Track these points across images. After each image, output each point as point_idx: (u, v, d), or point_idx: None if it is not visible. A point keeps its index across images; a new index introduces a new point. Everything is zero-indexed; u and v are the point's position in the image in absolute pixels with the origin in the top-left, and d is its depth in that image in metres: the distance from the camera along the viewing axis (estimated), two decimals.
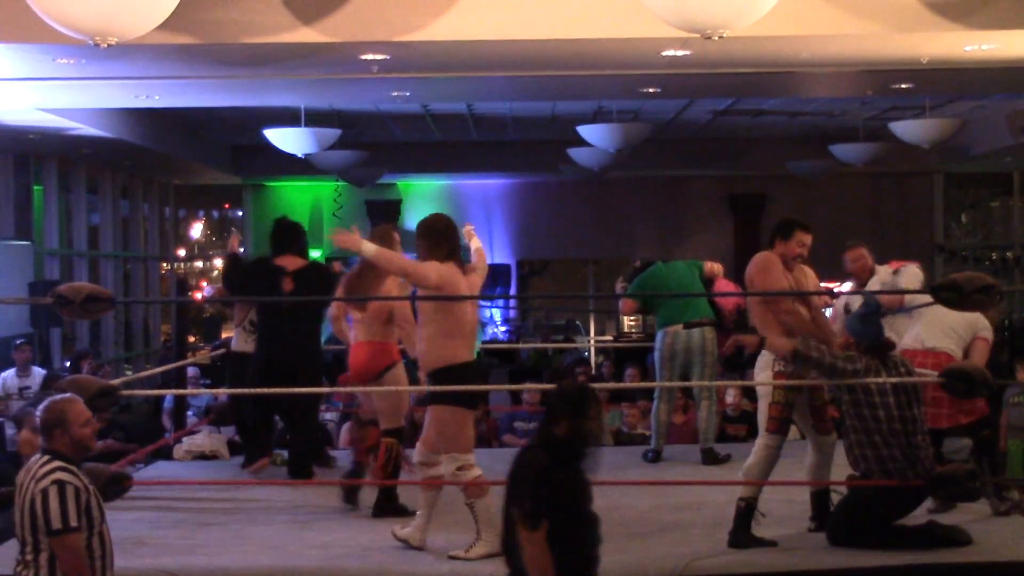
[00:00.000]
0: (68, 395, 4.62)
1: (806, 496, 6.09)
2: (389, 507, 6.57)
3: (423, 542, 5.81)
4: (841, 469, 6.02)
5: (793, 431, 8.35)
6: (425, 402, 6.17)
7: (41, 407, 4.45)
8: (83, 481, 4.32)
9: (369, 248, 5.68)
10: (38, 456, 4.38)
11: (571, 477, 4.26)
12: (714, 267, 8.14)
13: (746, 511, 5.75)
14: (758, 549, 5.65)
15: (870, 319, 5.75)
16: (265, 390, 6.91)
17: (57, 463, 4.29)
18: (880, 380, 5.59)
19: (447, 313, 5.68)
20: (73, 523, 4.22)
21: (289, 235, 7.71)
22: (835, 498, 5.96)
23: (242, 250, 7.88)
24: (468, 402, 5.72)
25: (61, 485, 4.23)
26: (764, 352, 5.96)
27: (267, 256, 7.75)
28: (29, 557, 4.25)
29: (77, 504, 4.24)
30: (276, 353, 7.38)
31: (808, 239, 6.04)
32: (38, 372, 10.55)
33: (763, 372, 5.93)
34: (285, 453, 8.24)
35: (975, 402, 6.28)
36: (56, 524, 4.20)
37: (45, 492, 4.21)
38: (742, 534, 5.72)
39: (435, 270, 5.68)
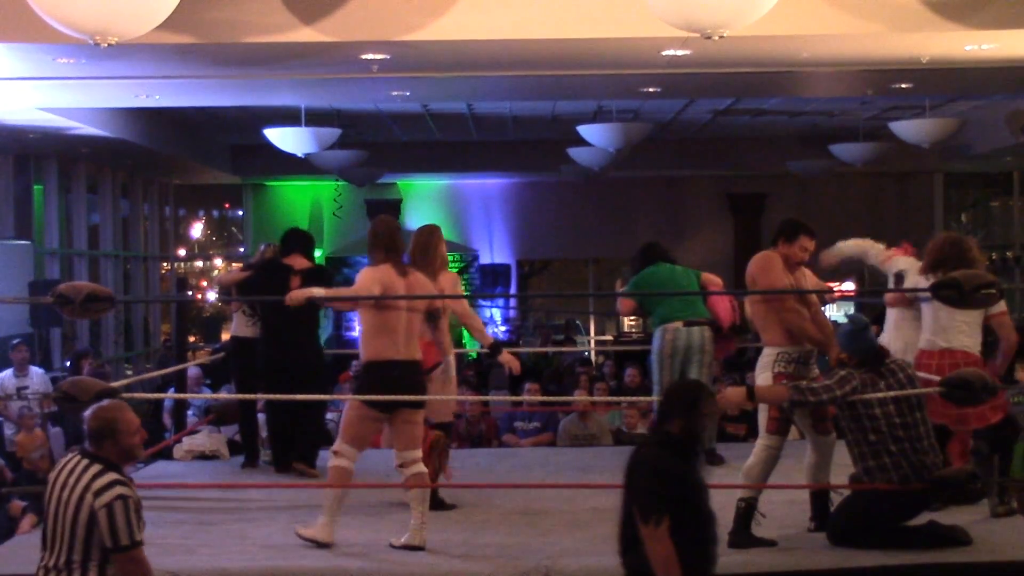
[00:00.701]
0: (117, 402, 4.57)
1: (806, 496, 6.09)
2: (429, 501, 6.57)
3: (423, 540, 5.81)
4: (841, 469, 6.02)
5: (793, 431, 8.34)
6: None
7: (89, 413, 4.36)
8: (136, 493, 4.29)
9: (319, 292, 5.99)
10: (81, 461, 4.26)
11: (687, 473, 4.28)
12: (712, 278, 8.11)
13: (746, 511, 5.75)
14: (758, 549, 5.65)
15: (858, 335, 5.70)
16: (269, 394, 6.93)
17: (113, 475, 4.22)
18: (879, 395, 5.55)
19: (375, 312, 5.79)
20: (138, 537, 4.20)
21: (299, 239, 8.02)
22: (835, 498, 5.95)
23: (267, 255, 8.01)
24: (371, 401, 5.80)
25: (125, 500, 4.18)
26: (765, 352, 5.95)
27: (277, 257, 8.01)
28: (75, 567, 4.17)
29: (138, 517, 4.22)
30: (282, 350, 7.61)
31: (812, 245, 6.02)
32: (36, 372, 10.54)
33: (763, 373, 5.92)
34: None
35: (998, 399, 6.23)
36: (124, 540, 4.16)
37: (111, 508, 4.14)
38: (742, 534, 5.72)
39: (362, 278, 5.84)
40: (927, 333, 6.45)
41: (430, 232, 6.86)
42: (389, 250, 5.93)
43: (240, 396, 7.63)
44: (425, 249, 6.74)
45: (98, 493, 4.16)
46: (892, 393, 5.56)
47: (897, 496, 5.57)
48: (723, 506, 6.11)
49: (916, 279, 6.62)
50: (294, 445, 7.68)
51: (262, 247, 8.48)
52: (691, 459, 4.30)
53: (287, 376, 7.49)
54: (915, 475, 5.55)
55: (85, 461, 4.26)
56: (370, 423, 5.91)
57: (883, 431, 5.55)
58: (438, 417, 6.78)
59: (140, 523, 4.25)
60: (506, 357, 7.16)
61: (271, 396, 7.47)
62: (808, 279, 6.14)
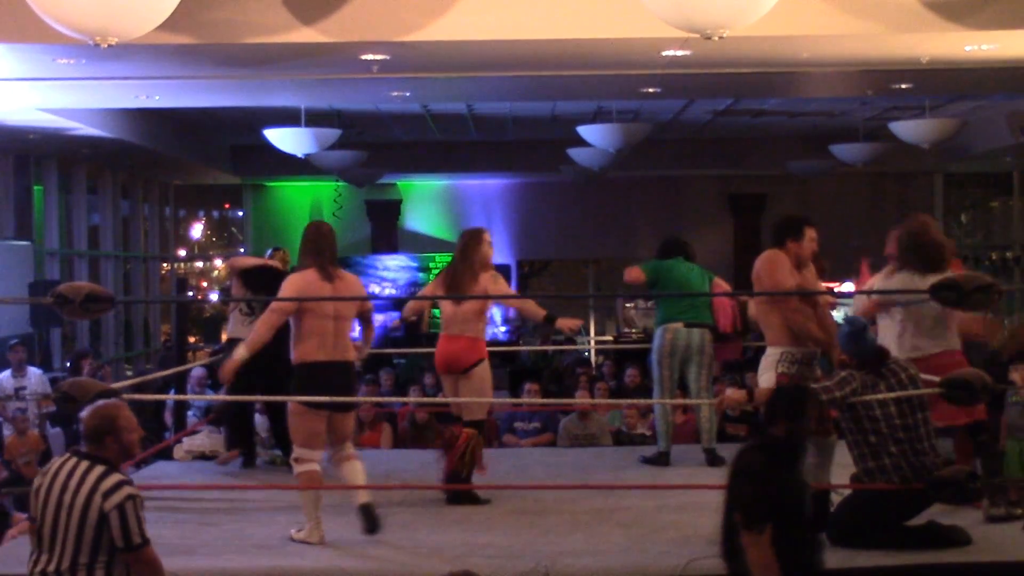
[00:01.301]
0: (115, 400, 4.58)
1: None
2: (463, 495, 6.81)
3: (321, 538, 5.94)
4: (842, 469, 6.01)
5: None
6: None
7: (87, 412, 4.36)
8: (139, 492, 4.29)
9: (242, 351, 6.08)
10: (80, 463, 4.25)
11: (791, 478, 4.20)
12: (723, 284, 8.14)
13: None
14: None
15: (857, 337, 5.67)
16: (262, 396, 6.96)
17: (118, 475, 4.23)
18: (879, 396, 5.53)
19: (302, 317, 6.00)
20: (147, 535, 4.22)
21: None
22: (835, 499, 5.94)
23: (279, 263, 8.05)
24: (305, 401, 5.97)
25: (135, 500, 4.19)
26: (768, 352, 5.94)
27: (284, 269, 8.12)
28: (81, 569, 4.16)
29: (143, 515, 4.23)
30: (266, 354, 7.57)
31: (815, 234, 6.04)
32: (34, 372, 10.52)
33: (766, 372, 5.90)
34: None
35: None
36: (137, 540, 4.17)
37: (122, 508, 4.15)
38: None
39: (286, 284, 6.14)
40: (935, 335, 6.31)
41: (469, 236, 7.04)
42: (314, 255, 6.08)
43: (242, 398, 7.64)
44: (463, 252, 6.96)
45: (107, 494, 4.16)
46: (892, 394, 5.54)
47: (897, 497, 5.56)
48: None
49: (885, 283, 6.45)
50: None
51: (269, 252, 8.53)
52: (795, 464, 4.21)
53: (266, 379, 7.48)
54: (915, 476, 5.53)
55: (85, 463, 4.24)
56: (312, 421, 6.01)
57: (883, 432, 5.54)
58: (470, 415, 6.94)
59: (144, 521, 4.26)
60: (564, 322, 7.29)
61: (268, 398, 7.50)
62: (813, 278, 6.13)
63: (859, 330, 5.65)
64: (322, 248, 6.12)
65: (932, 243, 6.18)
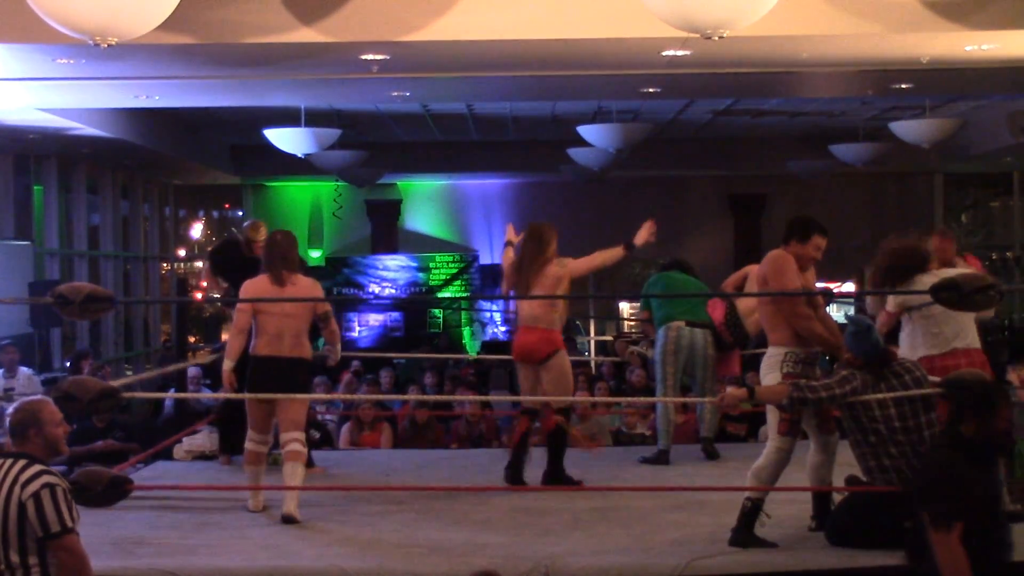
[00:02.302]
0: (39, 396, 4.56)
1: (806, 496, 6.08)
2: (558, 478, 7.14)
3: (257, 506, 6.69)
4: (845, 469, 6.00)
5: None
6: None
7: (10, 411, 4.36)
8: (65, 482, 4.28)
9: (226, 362, 6.70)
10: (5, 462, 4.25)
11: (981, 478, 4.15)
12: (716, 304, 8.22)
13: (751, 511, 5.72)
14: (759, 549, 5.64)
15: (862, 336, 5.64)
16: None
17: (38, 466, 4.23)
18: (882, 396, 5.51)
19: (256, 316, 6.65)
20: (69, 524, 4.19)
21: None
22: (837, 497, 5.93)
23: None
24: (252, 389, 6.64)
25: (52, 488, 4.18)
26: (770, 352, 5.90)
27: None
28: (17, 568, 4.15)
29: (68, 505, 4.20)
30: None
31: (824, 243, 5.93)
32: (24, 373, 10.50)
33: (770, 373, 5.85)
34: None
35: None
36: (55, 527, 4.15)
37: (37, 496, 4.14)
38: (744, 533, 5.70)
39: (244, 290, 6.73)
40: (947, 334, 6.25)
41: (543, 229, 7.36)
42: (267, 263, 6.70)
43: (242, 396, 7.64)
44: (538, 244, 7.24)
45: (24, 484, 4.16)
46: (892, 395, 5.52)
47: (895, 497, 5.55)
48: (724, 505, 6.16)
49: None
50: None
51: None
52: (986, 463, 4.15)
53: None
54: (915, 477, 5.50)
55: (8, 460, 4.26)
56: (258, 407, 6.69)
57: (882, 433, 5.52)
58: (558, 403, 7.16)
59: (73, 511, 4.23)
60: (641, 236, 7.55)
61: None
62: (813, 279, 6.11)
63: (864, 330, 5.62)
64: (273, 257, 6.66)
65: (903, 253, 6.19)
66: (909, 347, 6.13)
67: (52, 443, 4.34)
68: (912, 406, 5.52)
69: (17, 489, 4.17)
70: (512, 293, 7.41)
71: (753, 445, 7.34)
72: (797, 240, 5.91)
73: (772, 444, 5.80)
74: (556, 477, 7.20)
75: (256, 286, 6.64)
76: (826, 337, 5.81)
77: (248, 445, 6.75)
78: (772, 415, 5.86)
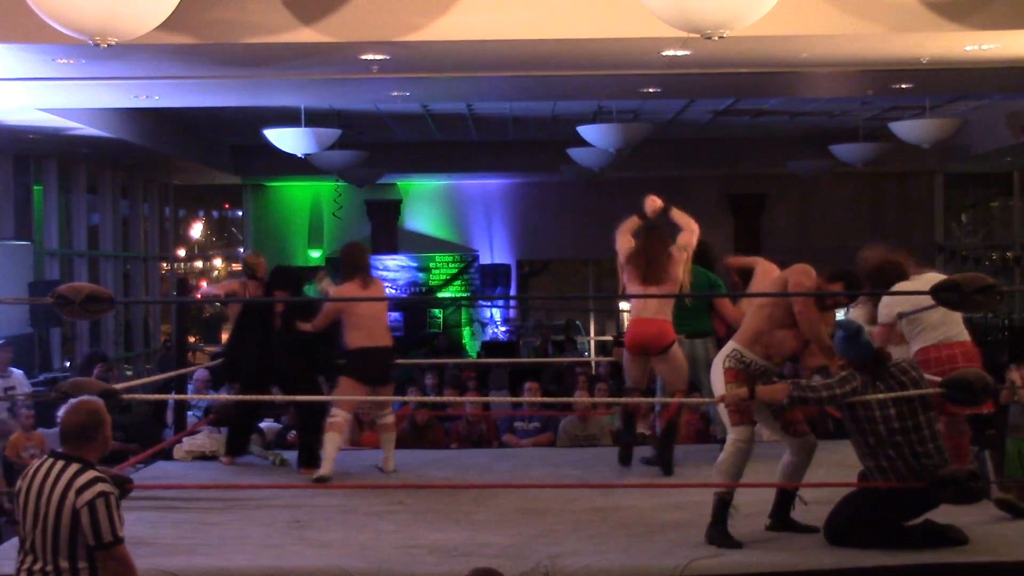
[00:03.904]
0: (93, 398, 4.47)
1: (807, 495, 6.07)
2: (663, 459, 7.51)
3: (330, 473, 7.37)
4: (842, 470, 6.00)
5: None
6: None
7: (69, 410, 4.28)
8: (116, 490, 4.25)
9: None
10: (56, 463, 4.21)
11: None
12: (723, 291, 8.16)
13: (720, 506, 5.76)
14: (759, 549, 5.64)
15: (853, 340, 5.66)
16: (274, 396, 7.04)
17: (93, 472, 4.18)
18: (878, 396, 5.53)
19: (348, 315, 7.62)
20: (121, 533, 4.17)
21: (285, 278, 8.47)
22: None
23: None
24: (355, 375, 7.58)
25: (107, 497, 4.14)
26: (724, 347, 6.00)
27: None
28: (64, 567, 4.13)
29: (119, 513, 4.17)
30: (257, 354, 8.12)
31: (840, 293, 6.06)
32: (17, 373, 10.48)
33: (716, 365, 5.97)
34: (284, 454, 8.30)
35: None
36: (108, 537, 4.12)
37: (92, 505, 4.10)
38: (717, 530, 5.73)
39: (336, 293, 7.71)
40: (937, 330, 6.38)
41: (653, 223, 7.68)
42: (352, 271, 7.72)
43: (248, 397, 7.81)
44: (661, 236, 7.56)
45: (80, 491, 4.12)
46: (892, 395, 5.52)
47: (893, 497, 5.55)
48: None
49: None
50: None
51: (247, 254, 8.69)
52: None
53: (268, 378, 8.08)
54: (914, 478, 5.52)
55: (61, 463, 4.21)
56: (359, 389, 7.61)
57: (881, 434, 5.53)
58: (676, 385, 7.54)
59: (122, 519, 4.21)
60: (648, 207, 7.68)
61: (275, 398, 7.85)
62: (831, 318, 6.16)
63: (853, 333, 5.63)
64: (359, 265, 7.77)
65: (884, 266, 6.40)
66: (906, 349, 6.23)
67: (108, 446, 4.31)
68: (910, 406, 5.53)
69: (72, 495, 4.11)
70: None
71: (757, 444, 7.36)
72: (827, 280, 5.95)
73: (729, 437, 5.87)
74: (666, 461, 7.51)
75: (349, 291, 7.63)
76: (829, 344, 5.85)
77: (335, 418, 7.52)
78: (721, 408, 5.91)
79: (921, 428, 5.52)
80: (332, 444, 7.48)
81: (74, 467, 4.18)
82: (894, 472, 5.53)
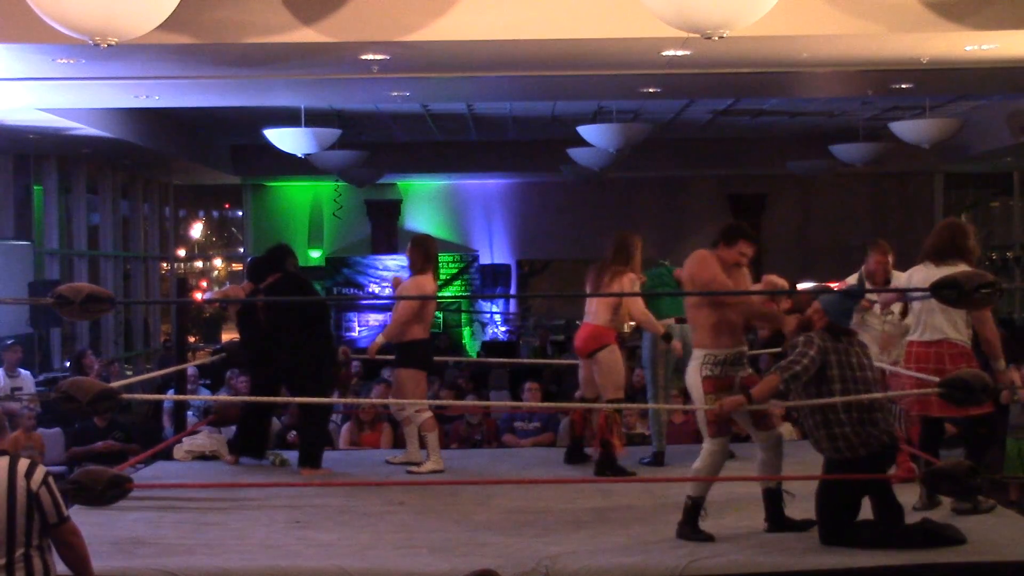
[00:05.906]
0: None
1: (805, 492, 6.07)
2: (609, 467, 7.46)
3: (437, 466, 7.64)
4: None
5: (789, 429, 8.31)
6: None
7: None
8: None
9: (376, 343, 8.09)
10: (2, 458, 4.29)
11: None
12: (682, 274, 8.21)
13: (692, 508, 5.89)
14: (759, 549, 5.66)
15: (843, 303, 5.80)
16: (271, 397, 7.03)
17: (23, 458, 4.31)
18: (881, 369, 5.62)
19: (411, 309, 7.72)
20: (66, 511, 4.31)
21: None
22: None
23: None
24: (422, 366, 7.83)
25: (50, 475, 4.28)
26: (694, 355, 6.03)
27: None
28: (18, 563, 4.15)
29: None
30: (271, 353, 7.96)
31: (750, 250, 6.11)
32: (25, 374, 10.49)
33: (693, 376, 6.01)
34: (284, 454, 8.30)
35: None
36: (65, 512, 4.26)
37: (48, 483, 4.23)
38: (688, 527, 5.85)
39: (414, 284, 7.81)
40: (919, 328, 6.48)
41: (631, 239, 8.13)
42: (426, 264, 7.80)
43: (249, 398, 7.84)
44: (626, 252, 8.05)
45: (27, 475, 4.21)
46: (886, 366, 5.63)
47: (853, 469, 5.59)
48: (722, 505, 6.17)
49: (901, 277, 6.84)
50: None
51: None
52: None
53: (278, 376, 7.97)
54: (863, 447, 5.59)
55: (24, 459, 4.31)
56: (425, 381, 7.96)
57: (836, 395, 5.60)
58: (610, 394, 7.58)
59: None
60: (675, 345, 7.91)
61: (275, 399, 7.79)
62: (745, 279, 6.21)
63: (848, 298, 5.85)
64: (430, 258, 7.83)
65: (969, 250, 6.40)
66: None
67: (6, 433, 4.45)
68: (864, 379, 5.66)
69: (21, 480, 4.19)
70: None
71: (741, 446, 7.39)
72: (724, 244, 6.06)
73: (705, 448, 5.99)
74: (606, 464, 7.52)
75: (423, 281, 7.74)
76: (765, 311, 5.95)
77: (428, 414, 7.79)
78: (701, 419, 5.94)
79: (872, 402, 5.62)
80: (435, 438, 7.75)
81: (4, 459, 4.26)
82: (844, 440, 5.61)
